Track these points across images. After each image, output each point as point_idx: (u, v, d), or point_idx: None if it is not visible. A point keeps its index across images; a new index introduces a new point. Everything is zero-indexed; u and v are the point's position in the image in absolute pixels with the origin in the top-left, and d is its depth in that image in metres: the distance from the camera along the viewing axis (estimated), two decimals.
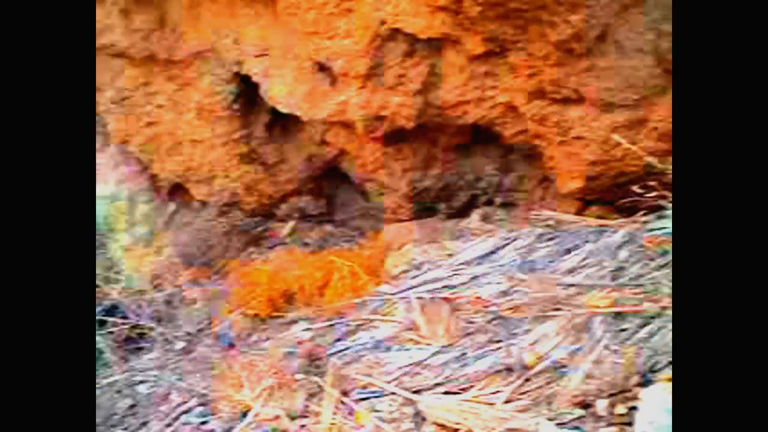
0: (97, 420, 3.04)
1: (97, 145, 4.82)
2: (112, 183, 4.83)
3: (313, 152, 4.33)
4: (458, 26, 3.12)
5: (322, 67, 3.60)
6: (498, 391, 2.47)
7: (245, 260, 4.20)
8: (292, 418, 2.61)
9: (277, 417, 2.63)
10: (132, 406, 3.12)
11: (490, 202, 4.20)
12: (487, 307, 2.95)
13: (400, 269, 3.54)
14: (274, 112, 4.09)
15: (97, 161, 4.87)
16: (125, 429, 2.97)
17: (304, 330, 3.26)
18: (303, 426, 2.58)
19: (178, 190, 4.81)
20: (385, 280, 3.50)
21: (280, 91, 3.80)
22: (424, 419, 2.48)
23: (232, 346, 3.33)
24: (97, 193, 4.68)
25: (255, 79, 3.88)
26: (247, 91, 4.04)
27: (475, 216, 4.11)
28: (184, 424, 2.89)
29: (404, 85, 3.47)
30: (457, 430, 2.39)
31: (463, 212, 4.21)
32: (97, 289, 3.71)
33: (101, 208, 4.53)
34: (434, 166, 4.11)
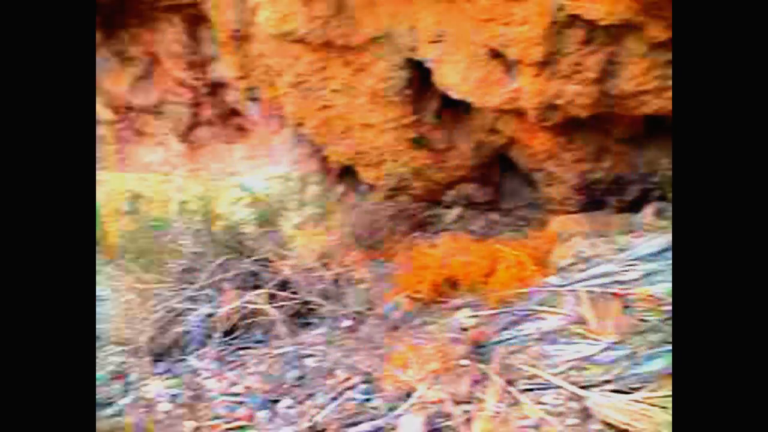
0: (267, 387, 3.21)
1: (274, 128, 5.06)
2: (286, 164, 5.06)
3: (482, 139, 4.32)
4: (642, 12, 3.00)
5: (497, 54, 3.58)
6: (671, 395, 2.37)
7: (410, 244, 4.25)
8: (457, 403, 2.63)
9: (441, 400, 2.65)
10: (300, 378, 3.25)
11: (663, 197, 4.03)
12: (660, 305, 2.85)
13: (568, 261, 3.49)
14: (445, 99, 4.12)
15: (273, 142, 5.12)
16: (293, 398, 3.09)
17: (468, 317, 3.27)
18: (466, 411, 2.59)
19: (347, 173, 4.97)
20: (552, 271, 3.46)
21: (453, 78, 3.81)
22: (590, 416, 2.42)
23: (396, 327, 3.39)
24: (272, 173, 4.92)
25: (428, 65, 3.91)
26: (418, 77, 4.09)
27: (648, 211, 3.96)
28: (349, 399, 2.98)
29: (580, 74, 3.40)
30: (626, 431, 2.32)
31: (634, 206, 4.09)
32: (269, 264, 3.88)
33: (275, 187, 4.74)
34: (606, 158, 4.01)
